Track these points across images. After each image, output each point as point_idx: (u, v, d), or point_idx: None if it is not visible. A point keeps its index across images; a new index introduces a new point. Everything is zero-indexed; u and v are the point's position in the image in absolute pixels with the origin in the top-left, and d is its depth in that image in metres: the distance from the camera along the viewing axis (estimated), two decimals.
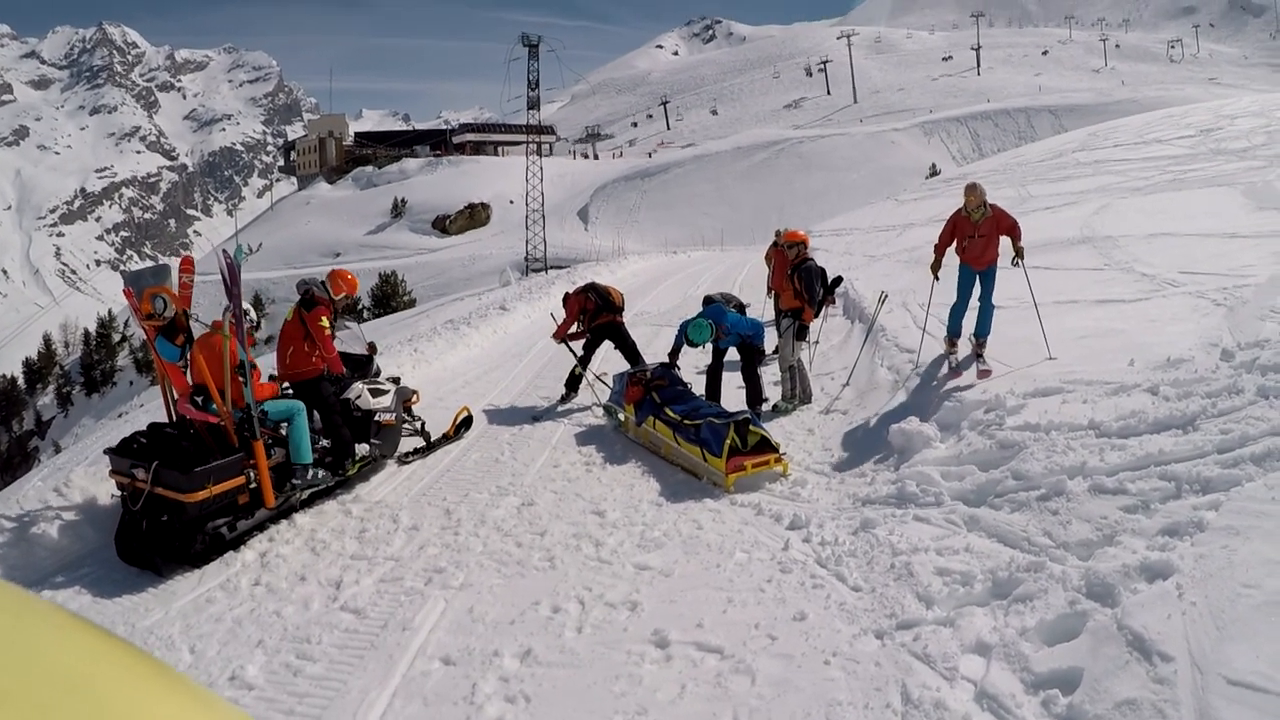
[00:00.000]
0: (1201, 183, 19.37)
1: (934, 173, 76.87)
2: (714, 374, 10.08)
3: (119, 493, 7.45)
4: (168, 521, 7.00)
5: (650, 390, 9.50)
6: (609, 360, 12.41)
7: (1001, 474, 6.30)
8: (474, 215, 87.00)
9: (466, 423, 10.57)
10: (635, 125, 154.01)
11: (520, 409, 11.55)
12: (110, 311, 74.49)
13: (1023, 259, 9.36)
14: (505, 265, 50.35)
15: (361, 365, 9.71)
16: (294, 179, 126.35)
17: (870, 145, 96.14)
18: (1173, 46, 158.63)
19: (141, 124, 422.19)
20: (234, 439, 7.41)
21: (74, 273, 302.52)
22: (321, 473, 8.24)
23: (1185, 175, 21.08)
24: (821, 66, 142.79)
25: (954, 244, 9.57)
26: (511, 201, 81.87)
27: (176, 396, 7.86)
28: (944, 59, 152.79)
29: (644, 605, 5.58)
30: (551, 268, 54.06)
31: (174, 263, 8.43)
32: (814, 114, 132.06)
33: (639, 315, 18.97)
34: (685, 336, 9.75)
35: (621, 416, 10.02)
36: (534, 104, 68.63)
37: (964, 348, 9.67)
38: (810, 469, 8.24)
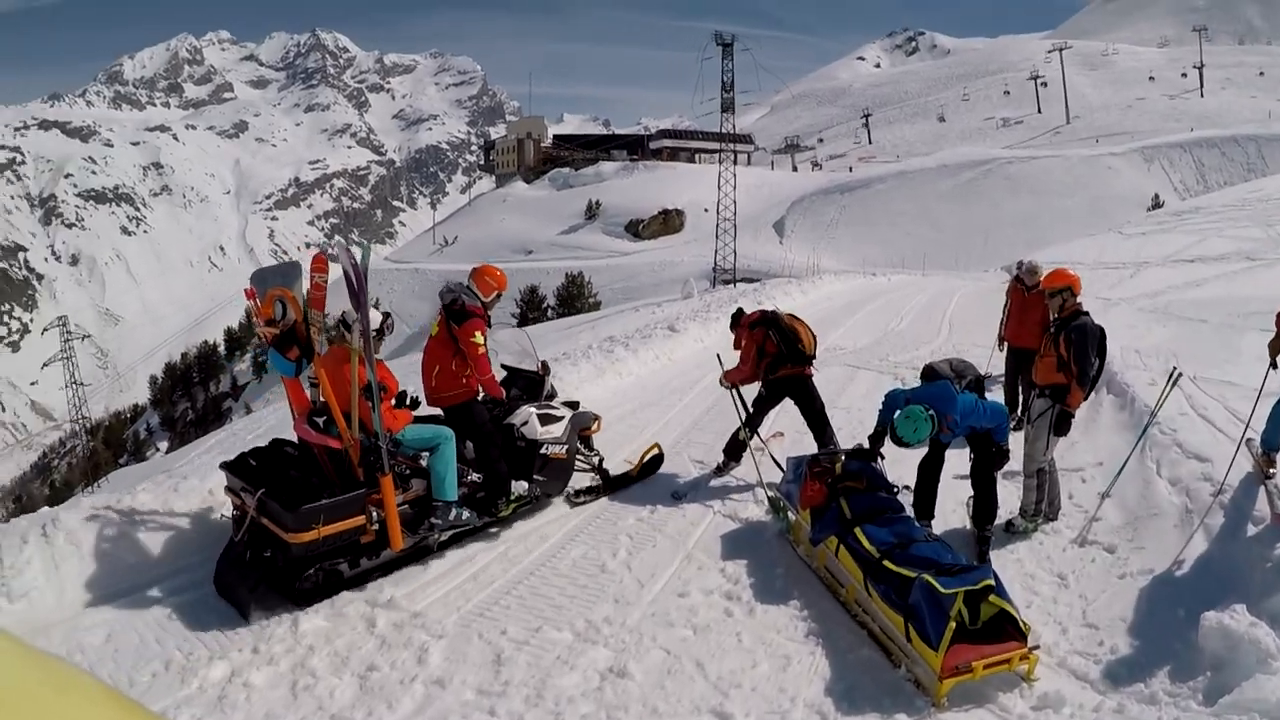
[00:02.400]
0: None
1: (1157, 204, 69.86)
2: (929, 475, 6.74)
3: (231, 512, 6.57)
4: (271, 558, 6.10)
5: (839, 494, 6.47)
6: (786, 415, 9.49)
7: None
8: (668, 221, 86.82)
9: (655, 462, 8.92)
10: (821, 141, 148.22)
11: (661, 476, 8.87)
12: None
13: None
14: (690, 275, 47.74)
15: (533, 386, 8.27)
16: (493, 177, 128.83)
17: (1084, 170, 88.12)
18: None
19: (352, 121, 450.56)
20: (358, 471, 6.28)
21: (285, 253, 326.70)
22: (467, 513, 6.97)
23: None
24: (1036, 80, 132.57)
25: None
26: (706, 210, 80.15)
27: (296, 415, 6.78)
28: (1149, 79, 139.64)
29: None
30: (741, 280, 51.26)
31: (305, 260, 7.23)
32: (1023, 133, 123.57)
33: (830, 351, 15.78)
34: (893, 428, 6.40)
35: (792, 517, 7.07)
36: (727, 106, 66.22)
37: None
38: (1067, 666, 5.18)
